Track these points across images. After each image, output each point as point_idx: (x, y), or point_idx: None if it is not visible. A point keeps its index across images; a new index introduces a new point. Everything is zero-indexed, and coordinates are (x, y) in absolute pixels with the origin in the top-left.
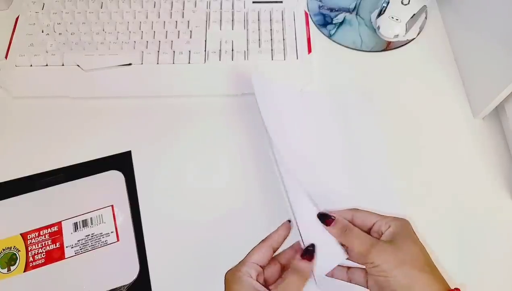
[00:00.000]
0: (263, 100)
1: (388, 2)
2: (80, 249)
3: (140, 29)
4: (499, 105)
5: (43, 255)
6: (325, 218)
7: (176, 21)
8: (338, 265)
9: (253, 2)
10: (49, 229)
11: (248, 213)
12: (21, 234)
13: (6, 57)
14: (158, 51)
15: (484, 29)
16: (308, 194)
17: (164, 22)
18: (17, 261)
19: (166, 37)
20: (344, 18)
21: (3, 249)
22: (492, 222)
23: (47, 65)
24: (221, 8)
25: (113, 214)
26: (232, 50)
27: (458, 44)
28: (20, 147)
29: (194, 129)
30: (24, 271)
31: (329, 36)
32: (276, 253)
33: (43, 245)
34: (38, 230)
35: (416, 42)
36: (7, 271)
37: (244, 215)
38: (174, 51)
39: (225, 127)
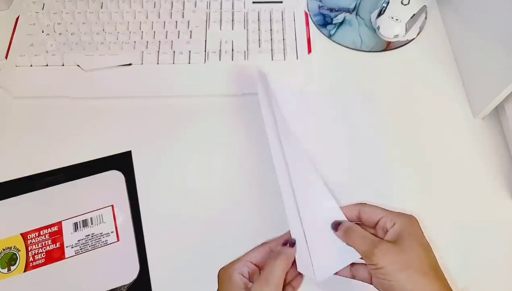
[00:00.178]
0: (265, 97)
1: (388, 2)
2: (80, 249)
3: (140, 29)
4: (499, 105)
5: (43, 255)
6: (335, 225)
7: (176, 21)
8: None
9: (253, 2)
10: (49, 229)
11: (249, 212)
12: (21, 234)
13: (6, 57)
14: (158, 51)
15: (484, 29)
16: (320, 191)
17: (164, 22)
18: (17, 261)
19: (166, 37)
20: (344, 18)
21: (3, 249)
22: (492, 222)
23: (47, 65)
24: (221, 8)
25: (113, 214)
26: (232, 50)
27: (458, 44)
28: (20, 147)
29: (194, 129)
30: (24, 271)
31: (329, 36)
32: None
33: (43, 245)
34: (38, 230)
35: (416, 42)
36: (7, 271)
37: (245, 214)
38: (174, 51)
39: (225, 128)
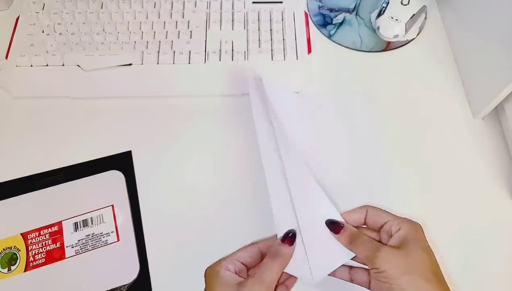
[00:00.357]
0: (258, 99)
1: (388, 3)
2: (81, 249)
3: (140, 29)
4: (498, 105)
5: (44, 254)
6: (334, 225)
7: (176, 22)
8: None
9: (253, 2)
10: (49, 229)
11: (250, 213)
12: (21, 234)
13: (6, 57)
14: (158, 52)
15: (483, 29)
16: (316, 192)
17: (164, 22)
18: (18, 261)
19: (166, 38)
20: (344, 18)
21: (3, 249)
22: (492, 222)
23: (47, 65)
24: (221, 8)
25: (114, 214)
26: (232, 50)
27: (457, 44)
28: (20, 147)
29: (194, 129)
30: (24, 271)
31: (329, 37)
32: None
33: (44, 244)
34: (39, 229)
35: (415, 42)
36: (8, 271)
37: (246, 215)
38: (174, 52)
39: (225, 127)
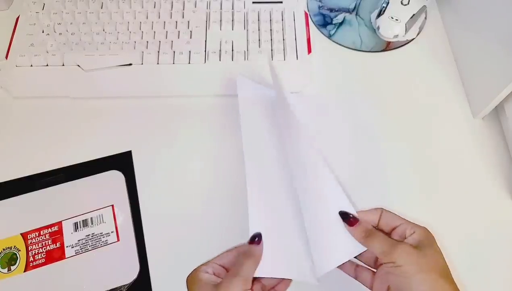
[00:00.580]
0: (245, 105)
1: (388, 3)
2: (81, 249)
3: (140, 29)
4: (498, 105)
5: (44, 254)
6: (349, 218)
7: (176, 22)
8: (349, 261)
9: (253, 2)
10: (49, 229)
11: None
12: (21, 234)
13: (6, 57)
14: (158, 52)
15: (483, 29)
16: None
17: (164, 22)
18: (18, 261)
19: (166, 38)
20: (344, 18)
21: (3, 249)
22: (492, 222)
23: (47, 65)
24: (221, 8)
25: (113, 214)
26: (232, 50)
27: (457, 44)
28: (20, 147)
29: (194, 129)
30: (24, 271)
31: (329, 37)
32: None
33: (44, 244)
34: (39, 229)
35: (415, 42)
36: (8, 271)
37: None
38: (174, 52)
39: (225, 128)
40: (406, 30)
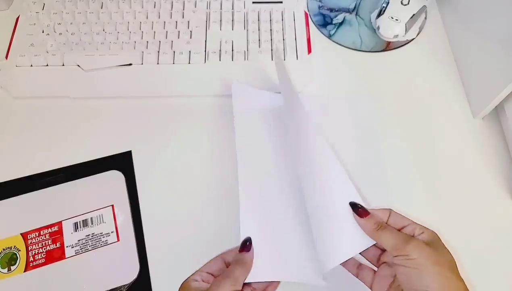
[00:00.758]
0: (240, 112)
1: (388, 2)
2: (81, 249)
3: (140, 29)
4: (498, 105)
5: (44, 254)
6: (359, 209)
7: (176, 22)
8: (352, 257)
9: (253, 2)
10: (49, 229)
11: None
12: (21, 234)
13: (6, 57)
14: (158, 52)
15: (483, 29)
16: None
17: (164, 22)
18: (18, 261)
19: (166, 38)
20: (344, 18)
21: (3, 249)
22: (492, 222)
23: (47, 65)
24: (221, 8)
25: (113, 214)
26: (232, 50)
27: (457, 44)
28: (20, 147)
29: (194, 130)
30: (24, 271)
31: (329, 37)
32: None
33: (44, 244)
34: (39, 229)
35: (415, 42)
36: (8, 271)
37: None
38: (174, 52)
39: (225, 128)
40: (406, 30)
